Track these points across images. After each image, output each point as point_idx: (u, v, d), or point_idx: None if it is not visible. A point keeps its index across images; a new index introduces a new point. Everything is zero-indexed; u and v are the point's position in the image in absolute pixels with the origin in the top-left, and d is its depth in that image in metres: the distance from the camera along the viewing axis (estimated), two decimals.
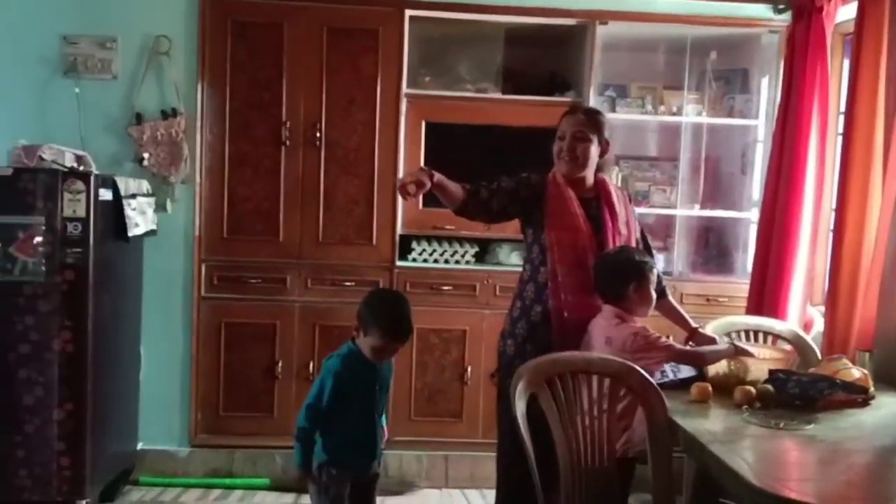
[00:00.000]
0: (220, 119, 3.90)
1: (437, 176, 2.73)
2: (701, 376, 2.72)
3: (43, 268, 3.11)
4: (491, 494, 3.12)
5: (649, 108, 4.21)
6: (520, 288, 2.91)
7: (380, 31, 3.93)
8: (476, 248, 4.03)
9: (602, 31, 3.97)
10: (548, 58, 4.28)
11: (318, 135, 3.91)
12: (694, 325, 2.96)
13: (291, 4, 3.88)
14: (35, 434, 3.13)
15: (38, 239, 3.11)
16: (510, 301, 2.99)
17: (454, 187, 2.78)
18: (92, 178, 3.19)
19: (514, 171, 2.98)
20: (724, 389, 2.63)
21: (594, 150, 2.85)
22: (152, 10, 3.88)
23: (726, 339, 3.05)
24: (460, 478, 3.97)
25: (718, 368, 2.75)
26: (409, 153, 3.96)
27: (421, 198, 3.65)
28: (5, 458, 3.13)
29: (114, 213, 3.37)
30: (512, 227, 3.08)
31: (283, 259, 3.95)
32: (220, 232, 3.93)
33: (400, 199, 3.92)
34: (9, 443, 3.13)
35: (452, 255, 4.00)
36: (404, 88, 3.96)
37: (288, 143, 3.91)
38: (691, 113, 4.20)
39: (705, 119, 4.23)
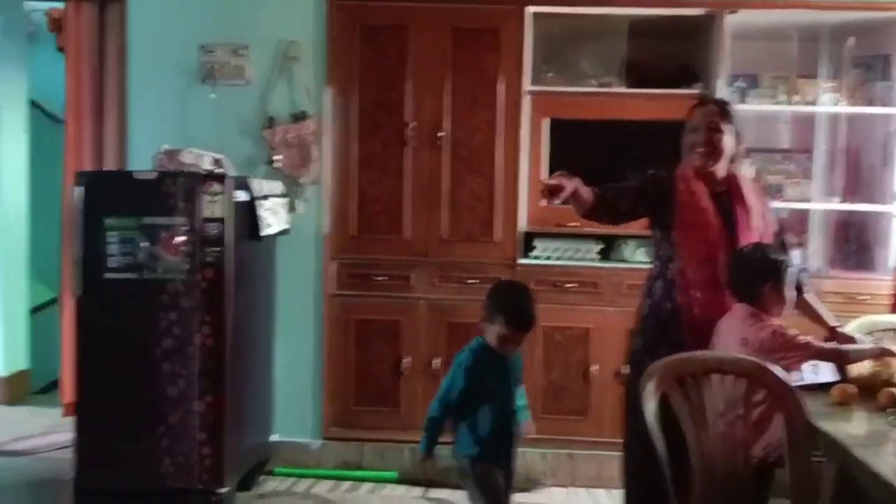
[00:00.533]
0: (348, 120, 4.00)
1: (576, 181, 2.70)
2: (843, 381, 2.60)
3: (185, 266, 3.27)
4: (618, 494, 3.08)
5: (782, 98, 4.05)
6: (648, 285, 2.85)
7: (501, 30, 3.94)
8: (601, 245, 3.98)
9: (731, 20, 3.84)
10: (673, 49, 4.18)
11: (442, 134, 3.95)
12: (833, 323, 2.83)
13: (416, 6, 3.94)
14: (178, 425, 3.28)
15: (180, 239, 3.27)
16: (637, 299, 2.94)
17: (585, 192, 2.74)
18: (229, 181, 3.33)
19: (640, 165, 2.94)
20: (868, 391, 2.50)
21: (730, 140, 2.77)
22: (282, 17, 4.02)
23: (869, 338, 2.89)
24: (586, 476, 3.93)
25: (861, 369, 2.62)
26: (532, 150, 3.96)
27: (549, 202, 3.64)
28: (151, 447, 3.29)
29: (249, 214, 3.50)
30: (638, 224, 3.02)
31: (408, 257, 4.02)
32: (349, 231, 4.03)
33: (524, 198, 3.95)
34: (154, 433, 3.29)
35: (577, 253, 3.96)
36: (527, 86, 3.95)
37: (413, 142, 3.97)
38: (827, 102, 4.01)
39: (843, 108, 4.03)
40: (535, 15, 3.93)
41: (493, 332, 2.66)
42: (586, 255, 3.96)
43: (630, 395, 2.76)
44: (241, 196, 3.42)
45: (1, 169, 5.01)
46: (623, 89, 4.03)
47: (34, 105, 5.37)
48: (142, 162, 3.93)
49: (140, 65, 4.06)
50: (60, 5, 4.84)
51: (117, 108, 4.11)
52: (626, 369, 2.98)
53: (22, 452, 4.19)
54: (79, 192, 3.27)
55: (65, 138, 4.40)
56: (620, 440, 2.95)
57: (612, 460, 3.75)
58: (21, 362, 5.16)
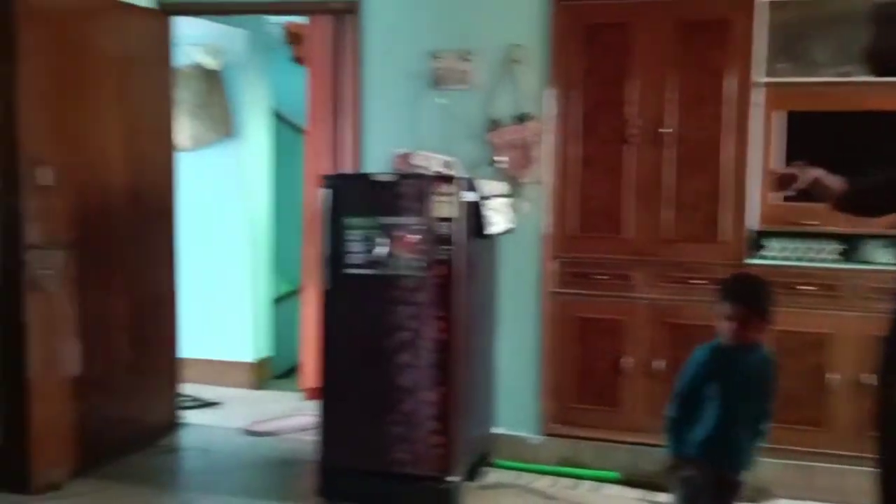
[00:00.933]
0: (569, 120, 4.03)
1: (818, 171, 2.58)
2: None
3: (419, 263, 3.43)
4: None
5: None
6: None
7: (730, 21, 3.82)
8: (844, 245, 3.75)
9: None
10: None
11: (666, 131, 3.89)
12: None
13: (640, 2, 3.91)
14: (411, 413, 3.45)
15: (415, 237, 3.44)
16: (884, 303, 2.75)
17: (833, 182, 2.61)
18: (459, 182, 3.46)
19: (886, 159, 2.74)
20: None
21: None
22: (506, 21, 4.11)
23: None
24: (822, 489, 3.71)
25: None
26: (764, 145, 3.81)
27: (781, 192, 3.50)
28: (386, 433, 3.49)
29: (476, 213, 3.61)
30: (884, 220, 2.83)
31: (629, 256, 3.99)
32: (569, 230, 4.06)
33: (755, 195, 3.81)
34: (389, 420, 3.49)
35: (814, 252, 3.76)
36: (758, 78, 3.80)
37: (634, 140, 3.94)
38: None
39: None
40: (766, 4, 3.77)
41: (719, 315, 2.63)
42: (825, 256, 3.75)
43: (882, 406, 2.60)
44: (470, 196, 3.54)
45: (249, 175, 5.48)
46: (865, 78, 3.77)
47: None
48: (375, 164, 4.17)
49: (373, 73, 4.30)
50: (300, 20, 5.25)
51: (352, 114, 4.37)
52: (872, 378, 2.79)
53: (268, 433, 4.58)
54: (325, 193, 3.53)
55: (305, 144, 4.75)
56: (861, 453, 2.78)
57: (851, 474, 3.55)
58: (266, 349, 5.64)
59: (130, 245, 4.24)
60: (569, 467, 4.02)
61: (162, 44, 4.44)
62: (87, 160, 3.94)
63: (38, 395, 3.64)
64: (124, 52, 4.17)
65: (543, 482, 3.92)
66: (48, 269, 3.65)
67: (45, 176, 3.61)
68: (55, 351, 3.74)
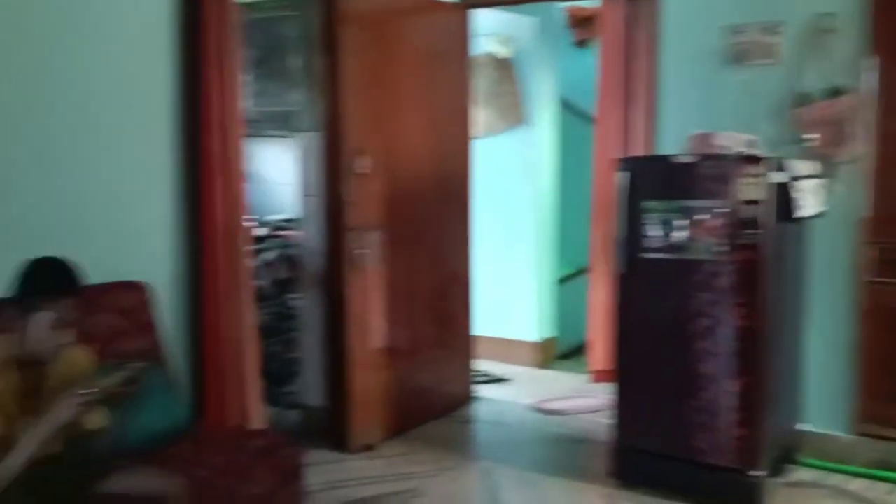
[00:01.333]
0: (892, 93, 3.67)
1: None
2: None
3: (721, 247, 3.31)
4: None
5: None
6: None
7: None
8: None
9: None
10: None
11: None
12: None
13: None
14: (711, 402, 3.35)
15: (717, 221, 3.32)
16: None
17: None
18: (767, 162, 3.29)
19: None
20: None
21: None
22: None
23: None
24: None
25: None
26: None
27: None
28: (684, 419, 3.42)
29: (784, 195, 3.41)
30: None
31: None
32: (890, 212, 3.71)
33: None
34: (687, 406, 3.41)
35: None
36: None
37: None
38: None
39: None
40: None
41: None
42: None
43: None
44: (778, 177, 3.35)
45: (536, 160, 5.60)
46: None
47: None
48: (668, 147, 4.07)
49: (669, 52, 4.19)
50: (588, 3, 5.25)
51: (646, 96, 4.30)
52: None
53: (557, 412, 4.67)
54: (622, 176, 3.52)
55: (595, 128, 4.74)
56: None
57: None
58: (550, 330, 5.75)
59: (432, 227, 4.51)
60: (887, 471, 3.69)
61: (462, 36, 4.66)
62: (397, 149, 4.23)
63: (357, 363, 4.01)
64: (430, 46, 4.43)
65: (857, 484, 3.63)
66: (364, 248, 3.98)
67: (363, 164, 3.95)
68: (370, 324, 4.08)
